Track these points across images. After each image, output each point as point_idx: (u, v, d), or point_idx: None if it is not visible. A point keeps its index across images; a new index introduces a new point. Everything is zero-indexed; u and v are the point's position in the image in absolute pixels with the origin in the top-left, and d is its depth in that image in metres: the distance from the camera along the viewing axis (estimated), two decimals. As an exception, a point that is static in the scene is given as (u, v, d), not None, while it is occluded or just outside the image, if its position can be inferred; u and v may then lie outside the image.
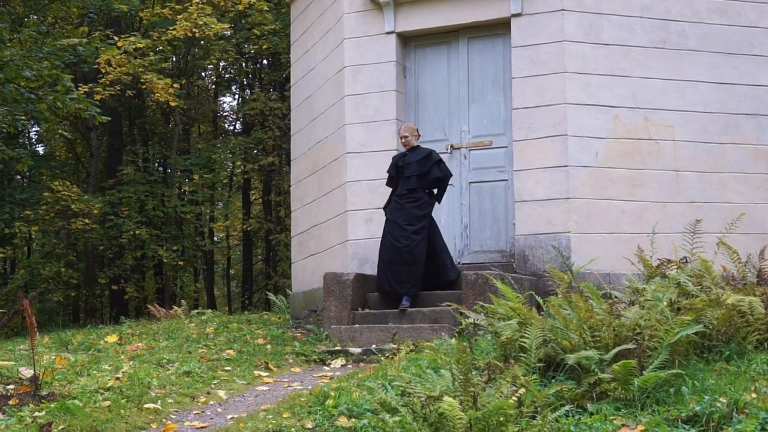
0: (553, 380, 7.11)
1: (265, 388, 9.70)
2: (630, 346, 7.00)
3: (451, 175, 12.52)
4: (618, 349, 6.98)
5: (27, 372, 9.11)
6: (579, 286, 8.77)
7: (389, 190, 13.04)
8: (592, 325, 7.33)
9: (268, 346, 12.06)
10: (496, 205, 13.00)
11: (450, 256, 12.56)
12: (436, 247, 12.37)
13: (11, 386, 8.83)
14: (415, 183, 12.25)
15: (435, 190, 12.43)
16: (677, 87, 12.85)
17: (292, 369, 10.90)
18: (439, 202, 12.54)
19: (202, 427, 7.83)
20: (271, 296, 19.33)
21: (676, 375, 6.87)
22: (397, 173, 12.44)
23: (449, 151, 13.24)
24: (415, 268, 12.15)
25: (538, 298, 8.71)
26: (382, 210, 12.60)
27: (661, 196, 12.62)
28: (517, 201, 12.61)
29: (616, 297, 8.92)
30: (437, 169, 12.29)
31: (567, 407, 6.27)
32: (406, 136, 12.44)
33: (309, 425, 6.95)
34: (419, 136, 12.59)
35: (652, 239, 10.87)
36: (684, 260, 9.88)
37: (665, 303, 7.72)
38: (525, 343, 7.35)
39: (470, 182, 13.13)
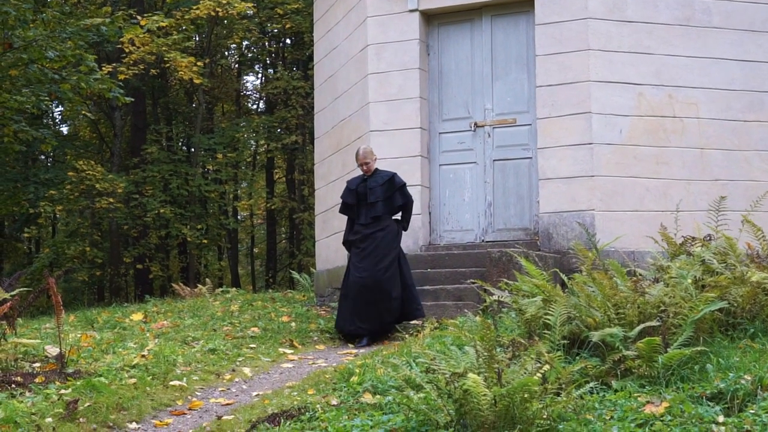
0: (577, 357, 7.12)
1: (289, 365, 9.74)
2: (654, 323, 7.00)
3: (413, 201, 11.69)
4: (642, 326, 6.98)
5: (53, 350, 9.17)
6: (603, 263, 8.76)
7: (413, 168, 13.07)
8: (617, 303, 7.33)
9: (293, 324, 12.10)
10: (519, 183, 12.97)
11: (416, 291, 11.44)
12: (406, 281, 11.32)
13: (37, 364, 8.89)
14: (382, 209, 11.34)
15: (399, 217, 11.61)
16: (701, 64, 12.79)
17: (317, 346, 10.94)
18: (405, 230, 11.72)
19: (227, 404, 7.88)
20: (295, 274, 19.38)
21: (700, 352, 6.87)
22: (358, 200, 11.47)
23: (473, 129, 13.22)
24: (388, 304, 11.06)
25: (563, 276, 8.72)
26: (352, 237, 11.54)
27: (686, 174, 12.58)
28: (541, 179, 12.59)
29: (640, 274, 8.90)
30: (400, 196, 11.45)
31: (591, 384, 6.27)
32: (367, 162, 11.43)
33: (334, 402, 6.98)
34: (376, 158, 11.64)
35: (677, 217, 10.84)
36: (708, 238, 9.84)
37: (690, 280, 7.71)
38: (549, 320, 7.35)
39: (494, 160, 13.11)
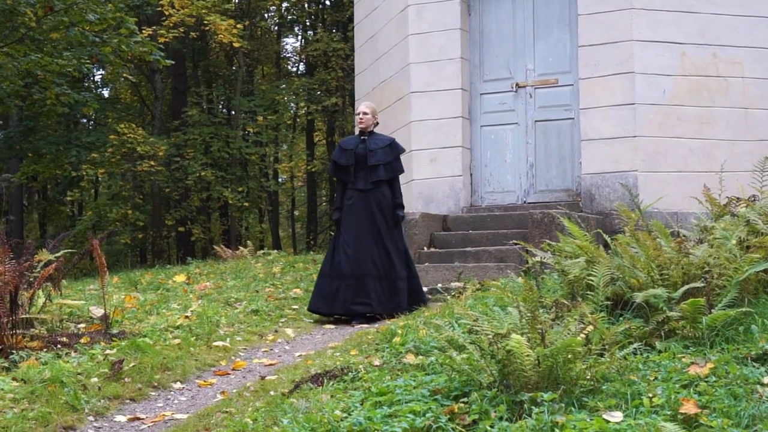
0: (620, 318, 7.08)
1: (332, 326, 9.80)
2: (698, 284, 6.94)
3: (403, 172, 10.76)
4: (686, 287, 6.92)
5: (97, 311, 9.27)
6: (646, 224, 8.70)
7: (454, 129, 13.02)
8: (660, 264, 7.28)
9: (335, 286, 12.10)
10: (562, 144, 12.90)
11: (403, 284, 10.28)
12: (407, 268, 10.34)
13: (82, 325, 8.99)
14: (384, 173, 10.31)
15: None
16: (746, 23, 12.63)
17: (359, 308, 10.96)
18: (403, 208, 10.56)
19: (270, 364, 7.93)
20: (336, 237, 19.37)
21: (745, 313, 6.81)
22: (356, 162, 10.36)
23: (515, 89, 13.14)
24: (397, 283, 10.12)
25: (606, 237, 8.66)
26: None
27: (730, 134, 12.47)
28: (583, 139, 12.52)
29: (684, 235, 8.83)
30: (399, 164, 10.54)
31: (635, 345, 6.24)
32: (366, 113, 10.51)
33: (377, 362, 6.99)
34: (378, 121, 10.79)
35: (721, 177, 10.74)
36: (753, 198, 9.74)
37: (734, 241, 7.64)
38: (592, 281, 7.31)
39: (536, 121, 13.04)
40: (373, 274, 10.07)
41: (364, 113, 10.50)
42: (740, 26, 12.60)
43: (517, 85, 13.18)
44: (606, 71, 12.43)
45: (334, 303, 10.10)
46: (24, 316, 8.22)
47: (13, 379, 6.89)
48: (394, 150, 10.45)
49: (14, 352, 7.66)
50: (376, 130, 10.70)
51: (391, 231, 10.28)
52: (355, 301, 10.03)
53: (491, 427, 4.94)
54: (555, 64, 13.05)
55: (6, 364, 7.46)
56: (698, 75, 12.47)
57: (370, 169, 10.29)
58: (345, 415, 5.41)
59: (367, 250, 10.12)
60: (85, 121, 31.30)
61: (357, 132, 10.88)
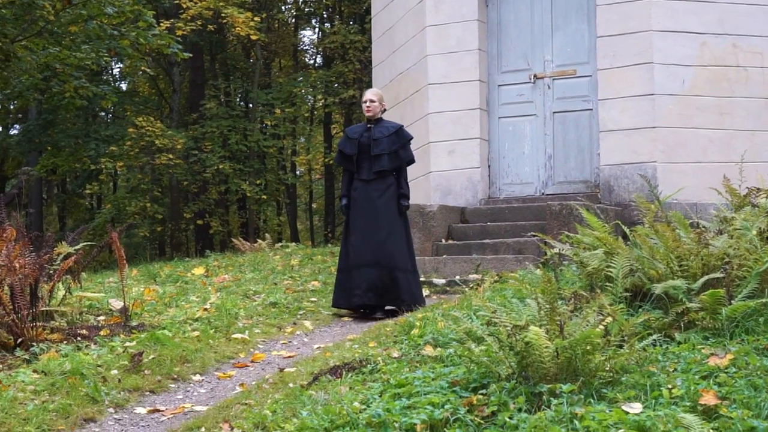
0: (639, 310, 7.05)
1: (350, 318, 9.78)
2: (718, 275, 6.91)
3: (414, 161, 10.38)
4: (706, 278, 6.90)
5: (117, 304, 9.28)
6: (666, 215, 8.67)
7: (472, 121, 12.99)
8: (680, 255, 7.25)
9: (353, 278, 12.11)
10: (580, 135, 12.87)
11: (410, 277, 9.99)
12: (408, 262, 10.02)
13: (102, 317, 9.02)
14: (388, 163, 9.93)
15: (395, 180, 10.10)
16: (766, 12, 12.55)
17: (377, 300, 10.95)
18: (408, 199, 10.19)
19: (289, 357, 7.94)
20: (354, 229, 19.36)
21: (765, 304, 6.77)
22: (360, 151, 10.03)
23: (532, 80, 13.11)
24: (396, 274, 9.78)
25: (624, 228, 8.64)
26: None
27: (750, 125, 12.41)
28: (601, 131, 12.48)
29: (703, 226, 8.79)
30: (407, 151, 10.15)
31: (654, 336, 6.22)
32: (372, 101, 10.12)
33: (395, 354, 6.99)
34: (385, 108, 10.41)
35: (741, 168, 10.69)
36: (773, 189, 9.70)
37: (754, 232, 7.60)
38: (611, 272, 7.29)
39: (554, 112, 13.01)
40: (373, 265, 9.78)
41: (371, 101, 10.13)
42: (760, 16, 12.54)
43: (535, 76, 13.15)
44: (625, 62, 12.39)
45: (347, 295, 9.91)
46: (44, 308, 8.25)
47: (34, 371, 6.91)
48: (400, 137, 10.07)
49: (35, 344, 7.69)
50: (384, 116, 10.40)
51: (395, 222, 9.94)
52: (354, 293, 9.82)
53: (510, 418, 4.93)
54: (573, 55, 13.01)
55: (27, 357, 7.49)
56: (718, 65, 12.42)
57: (374, 158, 9.96)
58: (364, 406, 5.41)
59: (368, 240, 9.84)
60: (103, 114, 31.41)
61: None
